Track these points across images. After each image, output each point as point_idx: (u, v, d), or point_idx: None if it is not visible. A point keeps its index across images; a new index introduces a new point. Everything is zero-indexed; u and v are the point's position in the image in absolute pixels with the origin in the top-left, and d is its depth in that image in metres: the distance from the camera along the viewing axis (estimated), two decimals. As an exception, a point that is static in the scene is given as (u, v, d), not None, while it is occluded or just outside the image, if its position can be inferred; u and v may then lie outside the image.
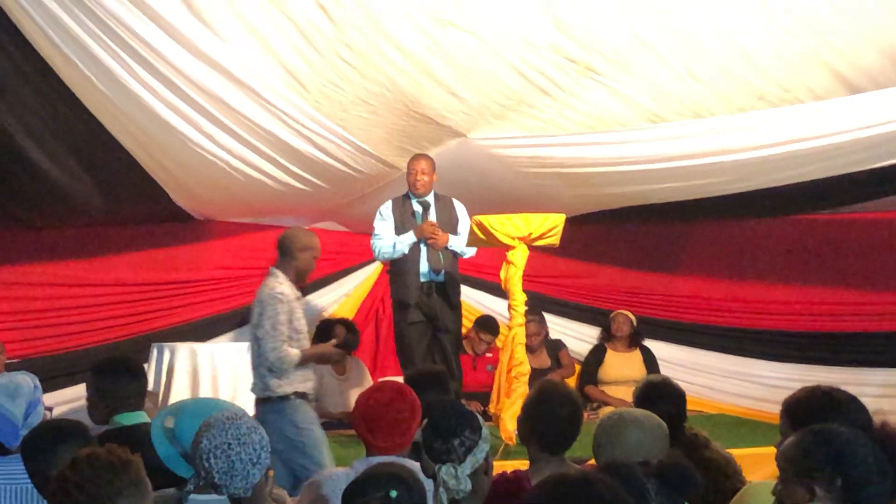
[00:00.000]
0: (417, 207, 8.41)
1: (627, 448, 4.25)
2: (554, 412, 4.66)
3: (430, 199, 8.43)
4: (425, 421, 3.86)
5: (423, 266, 8.34)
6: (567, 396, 4.82)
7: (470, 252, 8.43)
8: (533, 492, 2.48)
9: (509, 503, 3.77)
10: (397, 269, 8.43)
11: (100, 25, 6.73)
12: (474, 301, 10.62)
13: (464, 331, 9.63)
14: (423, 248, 8.30)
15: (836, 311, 10.82)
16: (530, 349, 10.00)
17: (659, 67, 7.40)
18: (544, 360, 10.25)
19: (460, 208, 8.52)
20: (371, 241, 8.47)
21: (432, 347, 8.44)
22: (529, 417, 4.78)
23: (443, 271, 8.36)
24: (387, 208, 8.45)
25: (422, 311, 8.37)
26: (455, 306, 8.57)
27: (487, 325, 10.06)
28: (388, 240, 8.35)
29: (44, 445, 4.19)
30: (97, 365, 5.41)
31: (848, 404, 4.15)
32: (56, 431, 4.32)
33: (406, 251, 8.29)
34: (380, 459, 4.38)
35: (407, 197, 8.42)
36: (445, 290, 8.43)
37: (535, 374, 9.76)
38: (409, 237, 8.30)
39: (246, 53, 7.19)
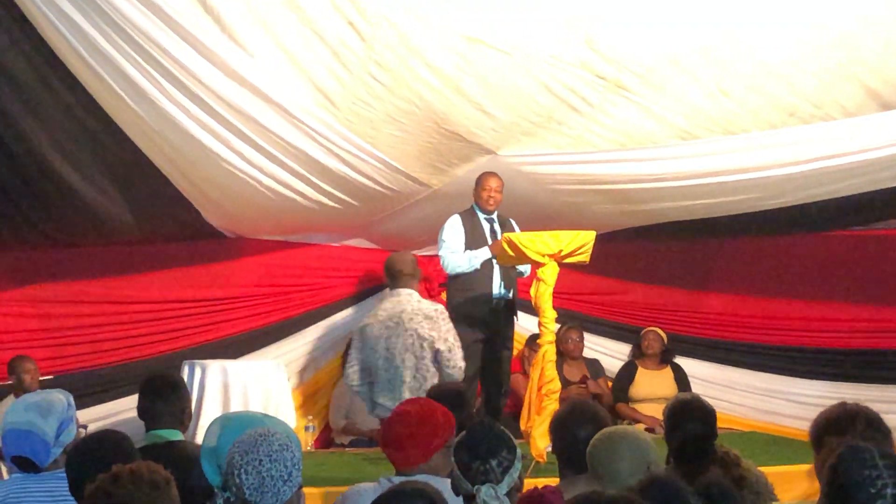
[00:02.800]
0: (486, 224, 8.42)
1: (620, 468, 4.25)
2: (575, 433, 4.69)
3: (495, 216, 8.47)
4: (456, 439, 3.87)
5: (497, 282, 8.34)
6: (591, 417, 4.83)
7: (527, 271, 8.45)
8: None
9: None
10: (465, 283, 8.36)
11: (131, 43, 6.78)
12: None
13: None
14: (496, 266, 8.29)
15: (870, 328, 10.75)
16: (571, 356, 10.03)
17: (689, 84, 7.41)
18: (581, 374, 10.22)
19: (515, 225, 8.52)
20: (440, 253, 8.45)
21: (488, 363, 8.41)
22: (553, 436, 4.83)
23: (512, 289, 8.40)
24: (457, 222, 8.41)
25: (487, 327, 8.36)
26: (513, 324, 8.64)
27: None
28: (462, 253, 8.34)
29: (91, 456, 4.13)
30: (143, 382, 5.47)
31: (868, 421, 4.16)
32: (104, 443, 4.34)
33: (479, 266, 8.27)
34: (407, 476, 4.42)
35: (473, 213, 8.43)
36: (513, 307, 8.48)
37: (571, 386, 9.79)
38: (484, 253, 8.28)
39: (276, 71, 7.23)
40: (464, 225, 8.37)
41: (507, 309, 8.45)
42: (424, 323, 7.92)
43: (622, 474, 4.13)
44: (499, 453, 3.79)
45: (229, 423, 4.17)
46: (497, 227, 8.41)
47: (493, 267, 8.28)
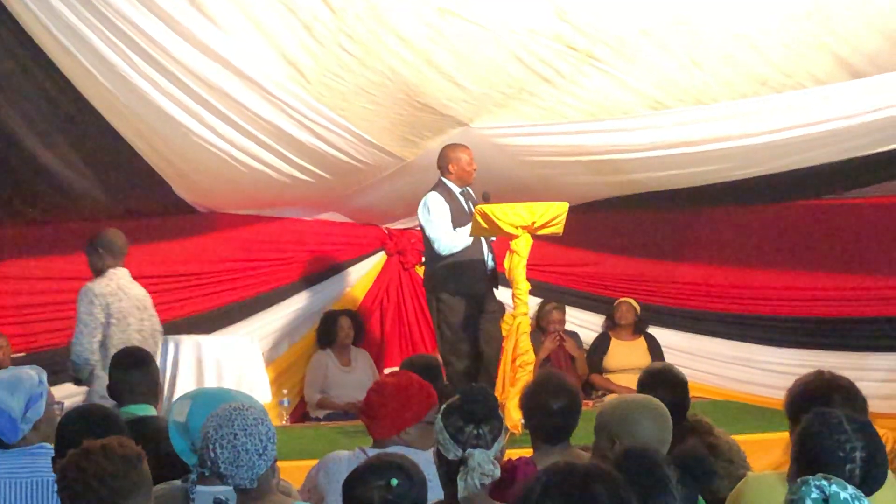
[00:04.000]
0: (461, 198, 8.28)
1: (645, 435, 4.27)
2: (547, 404, 4.73)
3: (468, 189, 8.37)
4: (448, 403, 3.87)
5: (486, 253, 8.23)
6: (561, 387, 4.87)
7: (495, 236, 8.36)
8: (531, 479, 2.49)
9: (510, 489, 3.81)
10: (459, 261, 8.15)
11: (100, 18, 6.74)
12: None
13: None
14: (484, 239, 8.16)
15: (841, 296, 10.79)
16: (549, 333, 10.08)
17: (661, 55, 7.41)
18: (574, 349, 10.27)
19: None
20: (434, 235, 8.11)
21: (484, 333, 8.30)
22: (525, 408, 4.86)
23: (493, 258, 8.34)
24: (440, 199, 8.18)
25: (483, 298, 8.24)
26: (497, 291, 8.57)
27: None
28: (454, 231, 8.11)
29: (78, 429, 4.12)
30: (113, 358, 5.45)
31: (845, 390, 4.19)
32: (91, 416, 4.33)
33: (469, 243, 8.07)
34: (390, 449, 4.44)
35: (447, 188, 8.26)
36: (496, 276, 8.38)
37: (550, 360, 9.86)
38: (469, 227, 8.02)
39: (247, 44, 7.19)
40: (448, 202, 8.19)
41: (493, 278, 8.38)
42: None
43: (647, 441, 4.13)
44: (491, 420, 3.81)
45: (198, 399, 4.18)
46: (468, 199, 8.36)
47: (481, 241, 8.17)
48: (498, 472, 3.70)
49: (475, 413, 3.79)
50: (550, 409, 4.74)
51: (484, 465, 3.67)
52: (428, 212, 8.16)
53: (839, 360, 9.93)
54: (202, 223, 9.96)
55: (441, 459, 3.77)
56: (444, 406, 3.87)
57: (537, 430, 4.83)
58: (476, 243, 8.09)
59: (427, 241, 8.24)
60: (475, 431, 3.76)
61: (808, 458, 3.52)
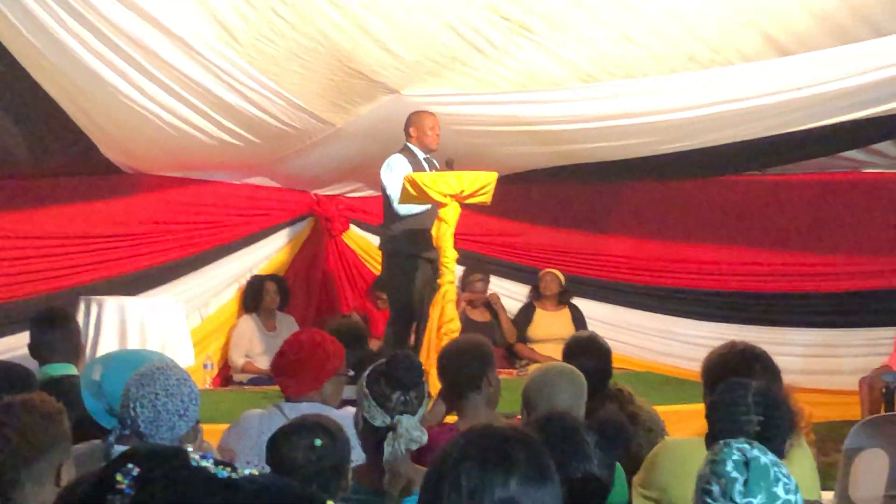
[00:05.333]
0: (424, 164, 8.26)
1: (559, 403, 4.34)
2: (460, 369, 4.78)
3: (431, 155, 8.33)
4: (371, 369, 3.86)
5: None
6: (477, 350, 4.96)
7: None
8: (450, 442, 2.49)
9: (431, 454, 3.83)
10: (416, 227, 8.16)
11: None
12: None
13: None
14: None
15: (761, 272, 10.95)
16: (473, 304, 10.14)
17: (593, 28, 7.44)
18: (484, 315, 10.33)
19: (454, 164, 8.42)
20: (394, 195, 8.07)
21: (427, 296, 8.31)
22: (441, 373, 4.94)
23: None
24: (402, 161, 8.15)
25: (431, 263, 8.18)
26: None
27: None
28: None
29: None
30: (32, 317, 5.39)
31: (760, 360, 4.26)
32: (11, 372, 4.29)
33: (429, 207, 8.01)
34: (297, 406, 4.46)
35: (412, 152, 8.24)
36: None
37: (475, 326, 9.90)
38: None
39: (178, 4, 7.12)
40: (409, 164, 8.15)
41: None
42: None
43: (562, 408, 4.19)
44: (418, 385, 3.83)
45: (112, 361, 4.16)
46: (436, 165, 8.32)
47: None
48: (425, 438, 3.72)
49: (402, 380, 3.80)
50: (462, 373, 4.80)
51: (412, 430, 3.69)
52: (389, 170, 8.17)
53: (759, 334, 10.08)
54: (128, 184, 9.86)
55: (366, 425, 3.77)
56: (368, 373, 3.86)
57: (454, 393, 4.86)
58: (434, 211, 8.04)
59: (386, 203, 8.25)
60: (402, 398, 3.78)
61: (712, 426, 3.63)
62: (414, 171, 8.04)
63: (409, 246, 8.20)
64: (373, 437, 3.74)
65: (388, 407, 3.75)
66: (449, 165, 8.07)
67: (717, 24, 7.35)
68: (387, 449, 3.66)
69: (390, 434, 3.69)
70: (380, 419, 3.72)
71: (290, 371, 4.71)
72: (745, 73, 7.69)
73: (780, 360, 4.46)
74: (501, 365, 9.71)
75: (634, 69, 7.83)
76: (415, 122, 8.27)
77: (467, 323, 9.78)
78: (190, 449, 1.72)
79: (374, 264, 10.81)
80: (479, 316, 10.26)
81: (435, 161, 8.30)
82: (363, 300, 10.65)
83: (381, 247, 8.71)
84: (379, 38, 7.50)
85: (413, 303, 8.16)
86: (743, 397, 3.59)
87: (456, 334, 7.67)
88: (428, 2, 7.19)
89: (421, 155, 8.24)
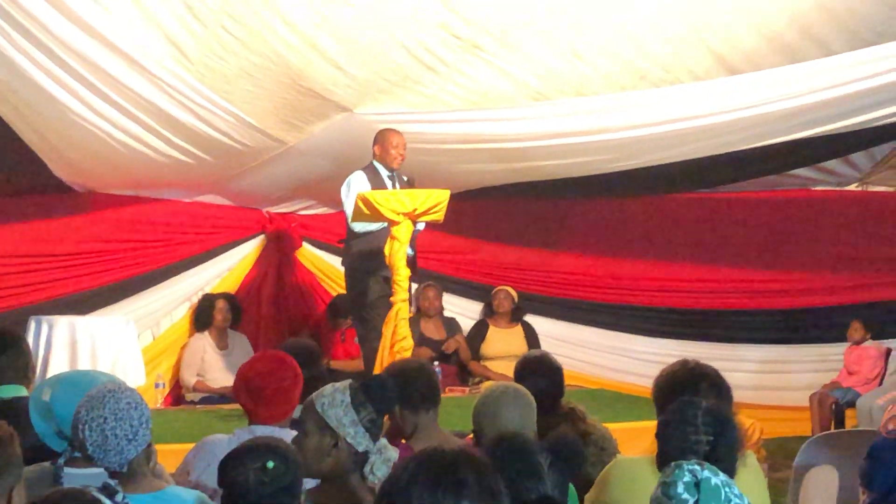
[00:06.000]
0: (389, 182, 8.25)
1: (507, 422, 4.34)
2: (405, 389, 4.77)
3: (395, 173, 8.32)
4: (352, 395, 3.82)
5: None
6: (419, 370, 4.96)
7: (422, 225, 8.34)
8: (400, 463, 2.49)
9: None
10: (372, 241, 8.13)
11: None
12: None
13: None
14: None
15: (713, 289, 11.02)
16: (427, 314, 10.13)
17: (544, 47, 7.46)
18: (440, 332, 10.30)
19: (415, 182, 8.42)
20: (349, 211, 8.05)
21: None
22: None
23: (413, 247, 8.26)
24: (362, 178, 8.16)
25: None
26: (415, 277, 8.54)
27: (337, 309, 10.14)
28: None
29: None
30: None
31: (709, 379, 4.27)
32: None
33: (386, 224, 7.93)
34: (264, 429, 4.41)
35: (376, 170, 8.25)
36: (414, 264, 8.28)
37: (431, 343, 9.90)
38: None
39: (128, 22, 7.06)
40: (369, 181, 8.15)
41: (409, 266, 8.27)
42: None
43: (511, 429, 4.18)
44: (392, 408, 3.86)
45: (61, 383, 4.11)
46: (399, 184, 8.31)
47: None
48: (396, 456, 3.72)
49: (384, 403, 3.80)
50: (408, 393, 4.79)
51: (387, 451, 3.70)
52: (347, 188, 8.18)
53: (710, 350, 10.16)
54: (79, 202, 9.80)
55: (344, 451, 3.72)
56: (351, 399, 3.80)
57: (404, 402, 4.85)
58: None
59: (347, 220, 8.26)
60: (380, 421, 3.79)
61: (662, 445, 3.62)
62: (374, 188, 8.04)
63: (365, 263, 8.22)
64: (349, 462, 3.71)
65: (373, 432, 3.75)
66: (410, 184, 8.09)
67: (667, 43, 7.39)
68: (380, 470, 3.65)
69: (375, 457, 3.69)
70: (364, 444, 3.71)
71: (263, 399, 4.62)
72: (695, 91, 7.73)
73: (732, 377, 4.48)
74: (454, 382, 9.73)
75: (585, 87, 7.85)
76: (379, 139, 8.31)
77: (422, 340, 9.77)
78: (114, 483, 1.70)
79: (329, 282, 10.80)
80: (434, 332, 10.22)
81: (399, 179, 8.31)
82: (317, 318, 10.62)
83: (343, 263, 8.73)
84: (331, 56, 7.49)
85: (375, 318, 8.16)
86: (693, 417, 3.59)
87: (409, 353, 7.68)
88: (379, 20, 7.18)
89: (385, 172, 8.27)
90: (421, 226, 8.28)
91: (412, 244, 8.20)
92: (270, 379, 4.61)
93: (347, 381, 3.87)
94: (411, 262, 8.19)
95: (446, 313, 10.60)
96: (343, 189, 8.23)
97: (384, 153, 8.28)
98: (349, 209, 8.08)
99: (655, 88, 7.78)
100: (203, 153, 8.73)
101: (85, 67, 7.28)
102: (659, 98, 7.85)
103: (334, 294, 10.73)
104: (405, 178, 8.32)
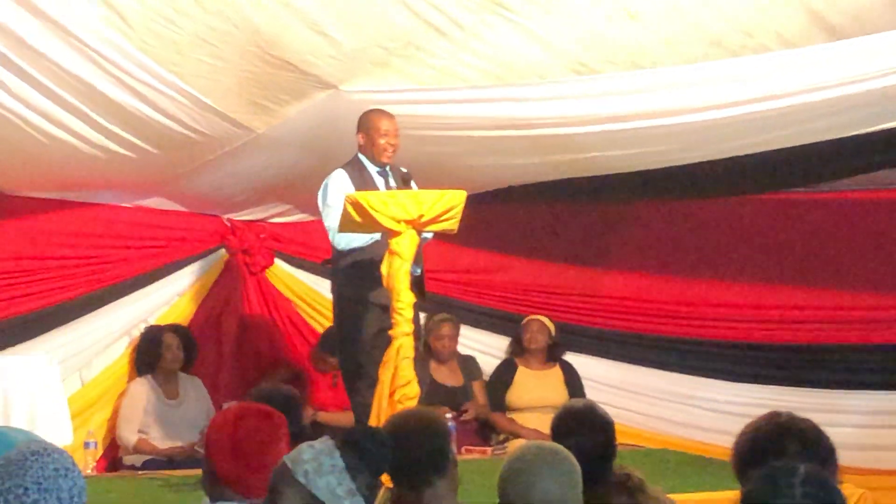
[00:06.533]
0: (379, 179, 8.26)
1: (543, 495, 4.35)
2: (410, 451, 4.76)
3: (388, 168, 8.32)
4: (349, 464, 3.85)
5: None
6: (428, 427, 4.93)
7: (430, 234, 8.30)
8: None
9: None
10: (362, 259, 8.14)
11: None
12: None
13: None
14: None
15: (812, 318, 10.94)
16: (440, 358, 10.12)
17: (587, 3, 7.48)
18: (455, 377, 10.30)
19: (413, 184, 8.39)
20: (328, 224, 8.11)
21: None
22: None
23: (419, 263, 8.17)
24: (343, 179, 8.15)
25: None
26: (422, 304, 8.44)
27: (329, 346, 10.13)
28: None
29: None
30: None
31: (802, 437, 4.27)
32: None
33: (379, 237, 7.94)
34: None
35: (362, 165, 8.27)
36: (421, 286, 8.25)
37: (444, 392, 9.90)
38: None
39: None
40: (353, 183, 8.12)
41: (415, 288, 8.25)
42: None
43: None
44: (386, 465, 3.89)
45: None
46: (392, 181, 8.31)
47: None
48: None
49: (379, 462, 3.83)
50: (413, 456, 4.78)
51: None
52: (324, 193, 8.17)
53: (807, 398, 10.11)
54: (-14, 208, 9.86)
55: None
56: (345, 463, 3.83)
57: (401, 481, 4.86)
58: (385, 241, 7.89)
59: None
60: (376, 485, 3.83)
61: None
62: (359, 189, 8.00)
63: (355, 288, 8.22)
64: None
65: (371, 501, 3.78)
66: (405, 182, 8.09)
67: (748, -1, 7.42)
68: None
69: None
70: None
71: (256, 468, 4.62)
72: (785, 61, 7.73)
73: (836, 434, 4.47)
74: (473, 441, 9.74)
75: (642, 57, 7.87)
76: (364, 124, 8.27)
77: (433, 387, 9.75)
78: None
79: (309, 310, 10.82)
80: (449, 377, 10.21)
81: (393, 176, 8.31)
82: (299, 358, 10.64)
83: (332, 291, 8.66)
84: (311, 17, 7.52)
85: (367, 362, 8.10)
86: (788, 486, 3.59)
87: (414, 401, 7.65)
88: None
89: (373, 168, 8.26)
90: (428, 235, 8.27)
91: (418, 260, 8.20)
92: (266, 440, 4.61)
93: (326, 440, 3.88)
94: (417, 284, 8.15)
95: (462, 350, 10.60)
96: (320, 195, 8.22)
97: (370, 143, 8.25)
98: (330, 220, 8.08)
99: (733, 58, 7.79)
100: (146, 144, 8.77)
101: (-7, 34, 7.33)
102: (738, 71, 7.86)
103: (315, 325, 10.75)
104: (403, 172, 8.30)
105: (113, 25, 7.49)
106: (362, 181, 8.17)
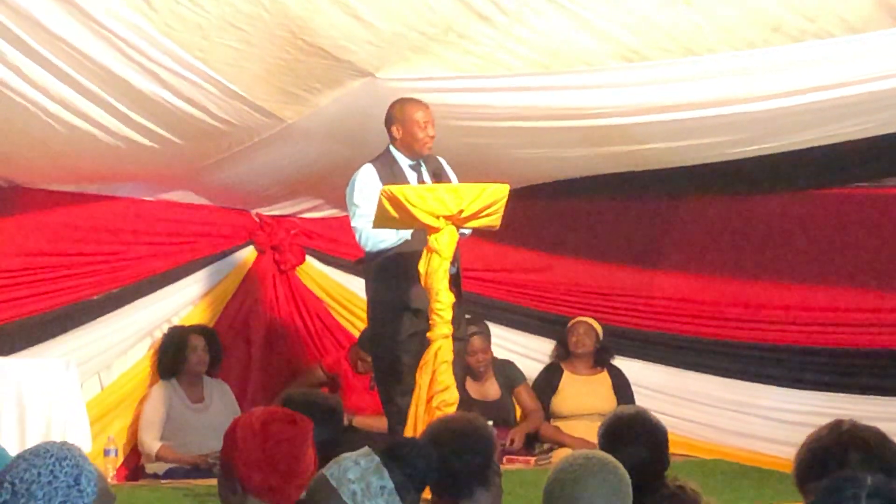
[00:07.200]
0: (411, 174, 8.24)
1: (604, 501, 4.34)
2: (453, 463, 4.75)
3: (422, 160, 8.30)
4: (396, 480, 3.86)
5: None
6: (475, 439, 4.92)
7: (469, 230, 8.29)
8: None
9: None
10: (394, 258, 8.13)
11: None
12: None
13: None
14: None
15: (878, 321, 10.88)
16: (473, 374, 10.07)
17: (639, -14, 7.49)
18: (492, 390, 10.27)
19: (450, 172, 8.44)
20: (355, 224, 8.09)
21: None
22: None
23: (455, 262, 8.10)
24: (371, 176, 8.11)
25: (426, 317, 8.14)
26: (462, 304, 8.39)
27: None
28: None
29: None
30: None
31: (866, 446, 4.25)
32: None
33: (409, 237, 7.99)
34: None
35: (392, 159, 8.25)
36: (458, 286, 8.23)
37: (480, 409, 9.83)
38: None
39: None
40: (381, 179, 8.06)
41: (453, 288, 8.08)
42: None
43: None
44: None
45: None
46: (427, 175, 8.29)
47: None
48: None
49: (426, 481, 3.83)
50: (455, 468, 4.78)
51: None
52: (351, 191, 8.15)
53: (872, 406, 10.07)
54: (2, 202, 9.87)
55: None
56: (397, 484, 3.83)
57: (442, 493, 4.86)
58: (420, 238, 7.88)
59: None
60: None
61: None
62: (385, 182, 7.95)
63: (387, 290, 8.20)
64: None
65: None
66: (437, 175, 8.08)
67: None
68: None
69: None
70: None
71: (288, 472, 4.62)
72: (849, 48, 7.71)
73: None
74: (516, 451, 9.72)
75: (697, 44, 7.85)
76: (397, 115, 8.24)
77: (467, 406, 9.70)
78: None
79: (342, 311, 10.83)
80: (485, 392, 10.18)
81: (427, 168, 8.30)
82: (338, 357, 10.63)
83: (367, 291, 8.64)
84: (345, 0, 7.53)
85: (401, 370, 8.08)
86: (854, 498, 3.57)
87: (453, 407, 7.64)
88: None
89: (405, 162, 8.23)
90: (466, 231, 8.25)
91: (455, 257, 8.21)
92: (297, 447, 4.61)
93: (369, 454, 3.87)
94: (454, 283, 8.15)
95: (504, 353, 10.58)
96: (348, 192, 8.21)
97: (408, 136, 8.21)
98: (356, 220, 8.08)
99: (795, 44, 7.77)
100: (170, 134, 8.79)
101: (10, 17, 7.35)
102: (800, 58, 7.84)
103: (347, 326, 10.76)
104: (437, 163, 8.31)
105: (135, 8, 7.51)
106: (392, 176, 8.12)
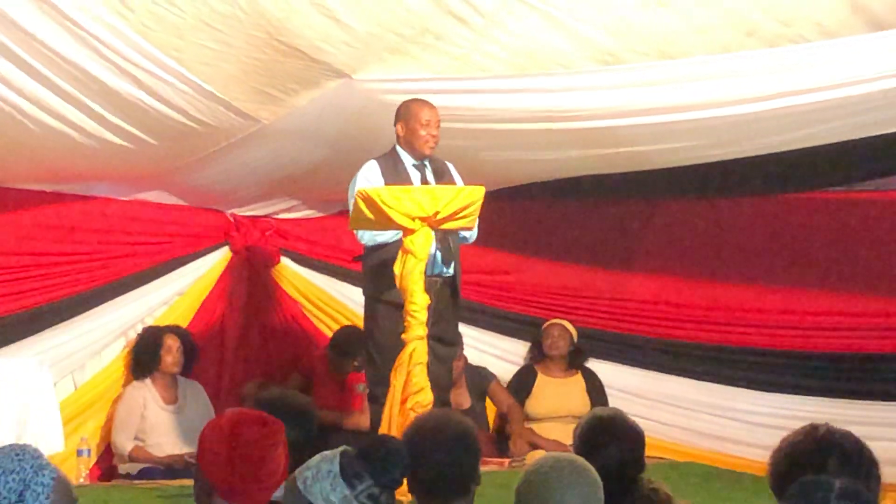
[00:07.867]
0: (415, 173, 8.29)
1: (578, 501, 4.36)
2: (435, 459, 4.74)
3: (426, 160, 8.35)
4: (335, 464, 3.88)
5: (432, 254, 8.08)
6: (454, 434, 4.91)
7: (473, 235, 8.38)
8: None
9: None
10: (390, 258, 8.03)
11: None
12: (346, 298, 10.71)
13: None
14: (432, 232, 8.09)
15: (853, 325, 10.91)
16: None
17: (616, -11, 7.50)
18: (464, 398, 10.28)
19: (455, 174, 8.48)
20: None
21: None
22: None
23: (454, 262, 8.27)
24: (374, 171, 8.21)
25: (440, 321, 8.16)
26: (459, 308, 8.52)
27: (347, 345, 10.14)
28: None
29: None
30: None
31: (841, 451, 4.27)
32: None
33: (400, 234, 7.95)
34: None
35: (397, 157, 8.31)
36: (454, 286, 8.34)
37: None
38: None
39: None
40: (384, 175, 8.17)
41: (447, 290, 8.31)
42: None
43: None
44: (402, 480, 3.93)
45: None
46: (430, 175, 8.35)
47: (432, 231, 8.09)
48: None
49: (391, 474, 3.85)
50: (437, 463, 4.76)
51: None
52: (353, 187, 8.16)
53: (847, 410, 10.10)
54: (-26, 202, 9.88)
55: None
56: (341, 469, 3.84)
57: (422, 491, 4.85)
58: None
59: None
60: (385, 498, 3.84)
61: None
62: (390, 184, 8.03)
63: (380, 288, 8.24)
64: None
65: None
66: (440, 175, 8.12)
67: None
68: None
69: None
70: None
71: (265, 475, 4.63)
72: (824, 53, 7.74)
73: (880, 448, 4.46)
74: (489, 452, 9.73)
75: (672, 47, 7.87)
76: (402, 112, 8.32)
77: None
78: None
79: (317, 313, 10.83)
80: (455, 400, 10.14)
81: (431, 169, 8.36)
82: (311, 360, 10.63)
83: (364, 292, 8.68)
84: (321, 1, 7.54)
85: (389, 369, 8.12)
86: (824, 502, 3.60)
87: (427, 409, 7.65)
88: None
89: (409, 161, 8.28)
90: (467, 235, 8.34)
91: (455, 259, 8.24)
92: (266, 449, 4.61)
93: (341, 448, 3.90)
94: (451, 286, 8.31)
95: (478, 358, 10.59)
96: (350, 187, 8.24)
97: (409, 133, 8.28)
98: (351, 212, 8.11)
99: (769, 49, 7.80)
100: (145, 134, 8.78)
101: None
102: (774, 62, 7.86)
103: (323, 328, 10.77)
104: (441, 165, 8.34)
105: (110, 7, 7.50)
106: (395, 174, 8.21)
